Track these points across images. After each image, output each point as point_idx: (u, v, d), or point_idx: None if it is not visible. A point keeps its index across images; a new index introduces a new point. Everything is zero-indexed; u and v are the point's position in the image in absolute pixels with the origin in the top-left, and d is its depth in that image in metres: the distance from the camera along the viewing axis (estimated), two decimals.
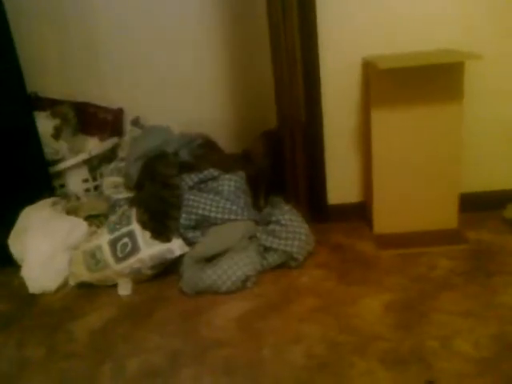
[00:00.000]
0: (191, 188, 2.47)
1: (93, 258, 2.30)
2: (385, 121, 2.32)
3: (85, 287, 2.34)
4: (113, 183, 2.80)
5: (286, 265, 2.31)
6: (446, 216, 2.44)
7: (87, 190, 2.98)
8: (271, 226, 2.37)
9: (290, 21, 2.37)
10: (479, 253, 2.25)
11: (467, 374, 1.58)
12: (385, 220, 2.48)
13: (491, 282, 2.05)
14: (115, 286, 2.30)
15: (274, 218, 2.38)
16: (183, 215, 2.37)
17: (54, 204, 2.60)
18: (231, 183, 2.48)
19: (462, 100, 2.27)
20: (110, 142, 3.13)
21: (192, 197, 2.41)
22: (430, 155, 2.35)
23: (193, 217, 2.37)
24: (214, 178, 2.51)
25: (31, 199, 2.57)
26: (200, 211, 2.36)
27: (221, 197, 2.42)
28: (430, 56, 2.26)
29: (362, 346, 1.76)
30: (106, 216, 2.59)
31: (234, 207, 2.39)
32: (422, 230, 2.44)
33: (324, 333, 1.85)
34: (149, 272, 2.31)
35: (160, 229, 2.32)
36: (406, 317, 1.88)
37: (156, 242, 2.28)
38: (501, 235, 2.37)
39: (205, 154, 2.74)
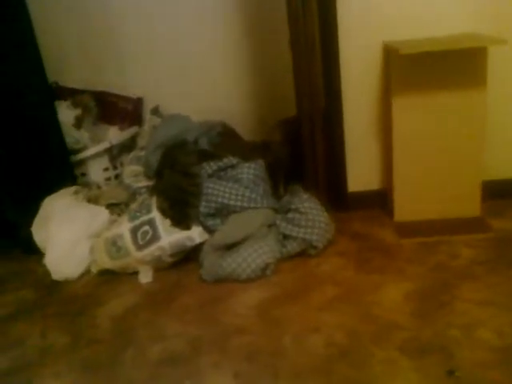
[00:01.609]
0: (211, 176, 2.48)
1: (114, 246, 2.33)
2: (406, 107, 2.28)
3: (106, 275, 2.37)
4: (133, 172, 2.82)
5: (305, 253, 2.31)
6: (469, 204, 2.40)
7: (108, 179, 3.01)
8: (290, 214, 2.36)
9: (309, 6, 2.34)
10: (502, 242, 2.22)
11: (490, 363, 1.56)
12: (405, 208, 2.45)
13: None
14: (136, 273, 2.32)
15: (293, 206, 2.37)
16: (203, 203, 2.38)
17: (75, 193, 2.64)
18: (250, 171, 2.47)
19: (485, 86, 2.22)
20: (130, 131, 3.16)
21: (211, 185, 2.41)
22: (451, 142, 2.31)
23: (212, 205, 2.37)
24: (233, 166, 2.51)
25: (53, 188, 2.60)
26: (219, 199, 2.37)
27: (240, 185, 2.42)
28: (453, 41, 2.21)
29: (382, 334, 1.75)
30: (126, 204, 2.61)
31: (254, 195, 2.39)
32: (443, 217, 2.41)
33: (344, 321, 1.84)
34: (169, 259, 2.32)
35: (180, 217, 2.33)
36: (426, 306, 1.87)
37: (176, 229, 2.30)
38: None
39: (224, 142, 2.74)
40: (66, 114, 2.90)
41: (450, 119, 2.28)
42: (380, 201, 2.61)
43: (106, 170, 3.01)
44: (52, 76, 2.82)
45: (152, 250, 2.28)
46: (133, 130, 3.18)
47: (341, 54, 2.38)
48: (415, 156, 2.35)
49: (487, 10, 2.28)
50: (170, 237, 2.28)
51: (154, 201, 2.40)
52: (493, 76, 2.24)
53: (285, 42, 2.42)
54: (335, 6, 2.29)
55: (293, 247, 2.30)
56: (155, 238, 2.28)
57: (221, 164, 2.50)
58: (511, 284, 1.93)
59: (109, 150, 3.00)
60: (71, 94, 3.09)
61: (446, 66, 2.20)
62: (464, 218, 2.40)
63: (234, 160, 2.51)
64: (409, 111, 2.29)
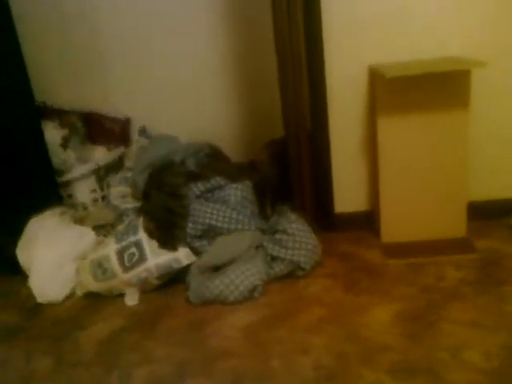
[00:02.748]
0: (198, 197, 2.47)
1: (100, 268, 2.31)
2: (391, 129, 2.31)
3: (92, 297, 2.34)
4: (120, 193, 2.81)
5: (293, 274, 2.30)
6: (454, 224, 2.42)
7: (95, 200, 2.98)
8: (278, 235, 2.36)
9: (295, 29, 2.37)
10: (488, 262, 2.23)
11: None
12: (392, 229, 2.46)
13: (501, 291, 2.02)
14: (122, 295, 2.30)
15: (280, 227, 2.37)
16: (190, 225, 2.37)
17: (61, 214, 2.61)
18: (238, 192, 2.48)
19: (468, 108, 2.26)
20: (117, 152, 3.15)
21: (199, 206, 2.41)
22: (436, 163, 2.34)
23: (199, 226, 2.37)
24: (220, 187, 2.51)
25: (39, 209, 2.57)
26: (207, 221, 2.36)
27: (227, 206, 2.42)
28: (437, 64, 2.26)
29: (370, 356, 1.74)
30: (113, 226, 2.59)
31: (241, 217, 2.38)
32: (429, 238, 2.42)
33: (332, 343, 1.83)
34: (156, 281, 2.30)
35: (167, 238, 2.32)
36: (414, 327, 1.87)
37: (163, 251, 2.28)
38: (510, 244, 2.35)
39: (211, 163, 2.74)
40: (52, 134, 2.88)
41: (435, 140, 2.31)
42: (367, 222, 2.62)
43: (94, 191, 2.98)
44: (39, 96, 2.81)
45: (138, 272, 2.26)
46: (120, 150, 3.17)
47: (327, 75, 2.41)
48: (401, 177, 2.37)
49: (472, 33, 2.33)
50: (157, 259, 2.27)
51: (140, 222, 2.39)
52: (476, 97, 2.28)
53: (273, 64, 2.44)
54: (321, 28, 2.33)
55: (280, 269, 2.29)
56: (142, 259, 2.27)
57: (208, 185, 2.50)
58: (498, 305, 1.94)
59: (96, 171, 2.98)
60: (58, 115, 3.07)
61: (431, 89, 2.24)
62: (450, 238, 2.41)
63: (221, 181, 2.51)
64: (394, 132, 2.31)
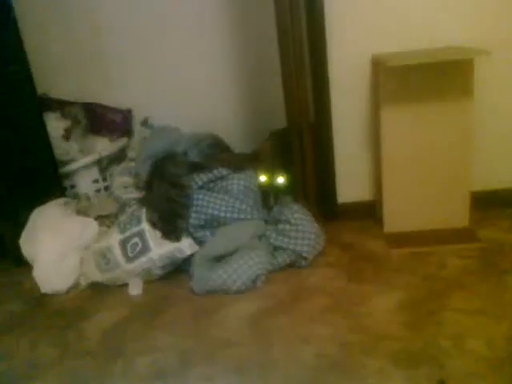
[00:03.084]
0: (201, 187, 2.48)
1: (103, 258, 2.31)
2: (394, 119, 2.30)
3: (96, 287, 2.35)
4: (122, 183, 2.81)
5: (295, 264, 2.31)
6: (457, 214, 2.42)
7: (97, 191, 3.00)
8: (281, 225, 2.36)
9: (297, 19, 2.37)
10: (490, 251, 2.23)
11: (480, 373, 1.57)
12: (395, 218, 2.47)
13: (503, 280, 2.03)
14: (126, 285, 2.31)
15: (283, 217, 2.38)
16: (193, 215, 2.37)
17: (64, 204, 2.62)
18: (240, 182, 2.48)
19: (472, 97, 2.25)
20: (119, 143, 3.15)
21: (201, 196, 2.41)
22: (440, 153, 2.33)
23: (202, 216, 2.37)
24: (223, 178, 2.51)
25: (42, 200, 2.58)
26: (210, 211, 2.37)
27: (230, 196, 2.42)
28: (440, 53, 2.24)
29: (373, 345, 1.75)
30: (115, 216, 2.60)
31: (244, 206, 2.39)
32: (432, 228, 2.42)
33: (335, 332, 1.84)
34: (159, 271, 2.31)
35: (170, 228, 2.32)
36: (417, 316, 1.87)
37: (166, 241, 2.29)
38: None
39: (214, 153, 2.74)
40: (55, 125, 2.89)
41: (439, 130, 2.30)
42: (370, 212, 2.62)
43: (96, 181, 3.00)
44: (41, 87, 2.81)
45: (142, 262, 2.27)
46: (122, 141, 3.17)
47: (330, 66, 2.41)
48: (404, 167, 2.37)
49: (475, 23, 2.32)
50: (160, 249, 2.27)
51: (143, 212, 2.39)
52: (480, 87, 2.27)
53: (275, 54, 2.43)
54: (324, 19, 2.32)
55: (283, 258, 2.30)
56: (145, 249, 2.27)
57: (211, 175, 2.50)
58: (500, 293, 1.95)
59: (98, 162, 2.99)
60: (60, 106, 3.07)
61: (434, 78, 2.23)
62: (453, 228, 2.41)
63: (224, 171, 2.51)
64: (397, 122, 2.31)
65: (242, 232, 2.32)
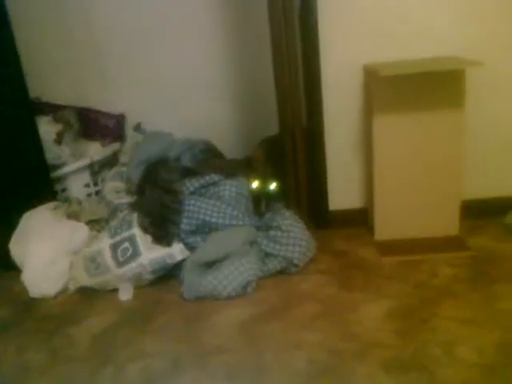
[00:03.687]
0: (192, 193, 2.47)
1: (93, 263, 2.30)
2: (386, 127, 2.32)
3: (86, 292, 2.33)
4: (114, 188, 2.80)
5: (286, 271, 2.30)
6: (448, 223, 2.44)
7: (89, 195, 2.98)
8: (272, 232, 2.36)
9: (291, 28, 2.38)
10: (481, 260, 2.25)
11: (471, 381, 1.57)
12: (386, 226, 2.48)
13: (493, 288, 2.04)
14: (116, 290, 2.29)
15: (274, 224, 2.38)
16: (184, 220, 2.37)
17: (55, 208, 2.60)
18: (232, 188, 2.48)
19: (463, 107, 2.27)
20: (111, 148, 3.15)
21: (193, 202, 2.41)
22: (431, 162, 2.35)
23: (194, 222, 2.37)
24: (215, 183, 2.51)
25: (33, 204, 2.56)
26: (201, 216, 2.36)
27: (222, 202, 2.42)
28: (432, 63, 2.27)
29: (363, 352, 1.75)
30: (106, 221, 2.58)
31: (235, 212, 2.39)
32: (423, 236, 2.44)
33: (325, 339, 1.84)
34: (149, 277, 2.30)
35: (161, 233, 2.32)
36: (407, 324, 1.88)
37: (157, 246, 2.28)
38: (502, 242, 2.36)
39: (206, 159, 2.74)
40: (47, 129, 2.87)
41: (430, 139, 2.32)
42: (361, 219, 2.63)
43: (87, 185, 2.98)
44: (34, 91, 2.80)
45: (132, 267, 2.26)
46: (114, 146, 3.17)
47: (323, 74, 2.42)
48: (396, 175, 2.38)
49: (469, 33, 2.34)
50: (151, 254, 2.27)
51: (134, 217, 2.39)
52: (471, 97, 2.29)
53: (269, 62, 2.45)
54: (317, 26, 2.33)
55: (274, 265, 2.30)
56: (136, 254, 2.26)
57: (203, 181, 2.50)
58: (491, 302, 1.96)
59: (90, 166, 2.98)
60: (53, 110, 3.06)
61: (426, 88, 2.25)
62: (443, 236, 2.43)
63: (216, 177, 2.51)
64: (389, 131, 2.32)
65: (234, 238, 2.31)
